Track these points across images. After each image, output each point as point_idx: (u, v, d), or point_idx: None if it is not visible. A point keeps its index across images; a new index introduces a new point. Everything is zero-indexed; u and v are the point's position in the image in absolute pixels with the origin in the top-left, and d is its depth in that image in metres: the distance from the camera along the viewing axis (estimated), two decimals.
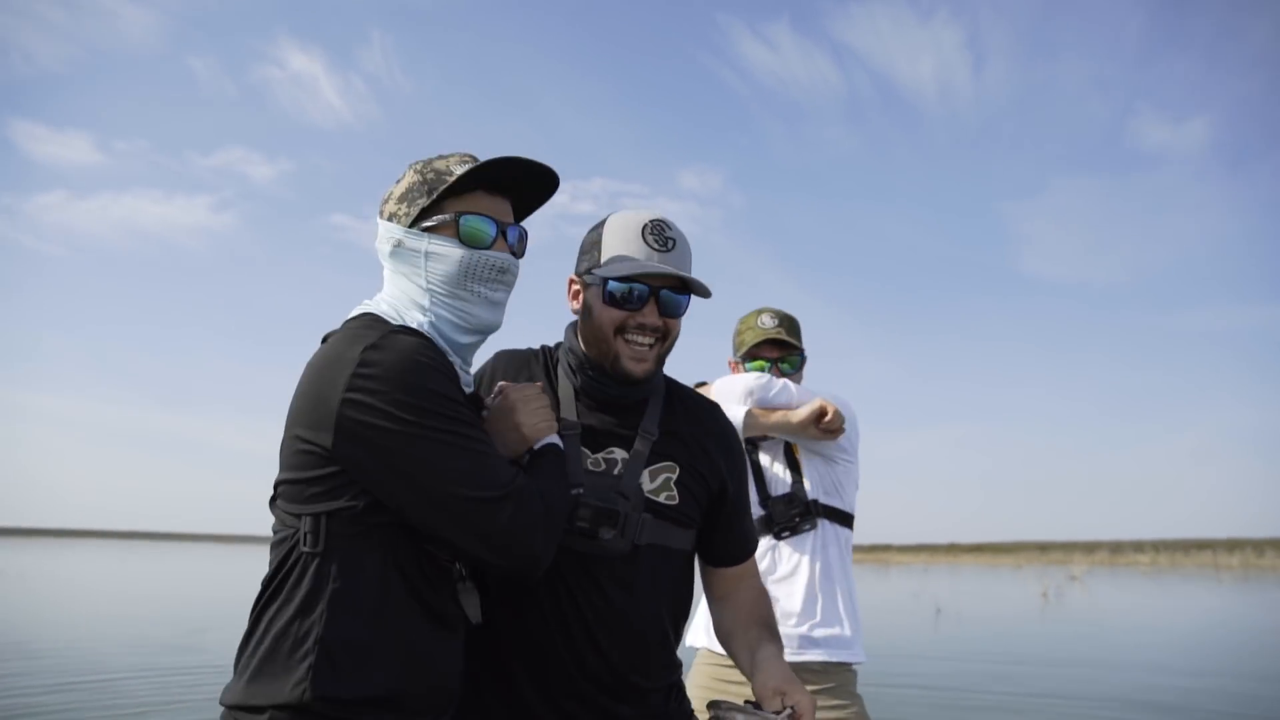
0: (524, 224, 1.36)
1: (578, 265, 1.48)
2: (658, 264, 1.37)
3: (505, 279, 1.28)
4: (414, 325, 1.22)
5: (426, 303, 1.25)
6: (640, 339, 1.39)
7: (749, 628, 1.47)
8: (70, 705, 6.40)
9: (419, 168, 1.28)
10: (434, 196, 1.24)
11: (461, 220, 1.24)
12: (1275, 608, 21.30)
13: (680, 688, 1.54)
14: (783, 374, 2.32)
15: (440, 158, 1.28)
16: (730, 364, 2.45)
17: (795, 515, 2.25)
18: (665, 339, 1.43)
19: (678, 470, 1.45)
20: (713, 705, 1.23)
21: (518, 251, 1.32)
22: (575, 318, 1.51)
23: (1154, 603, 23.15)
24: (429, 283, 1.24)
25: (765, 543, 2.26)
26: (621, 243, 1.39)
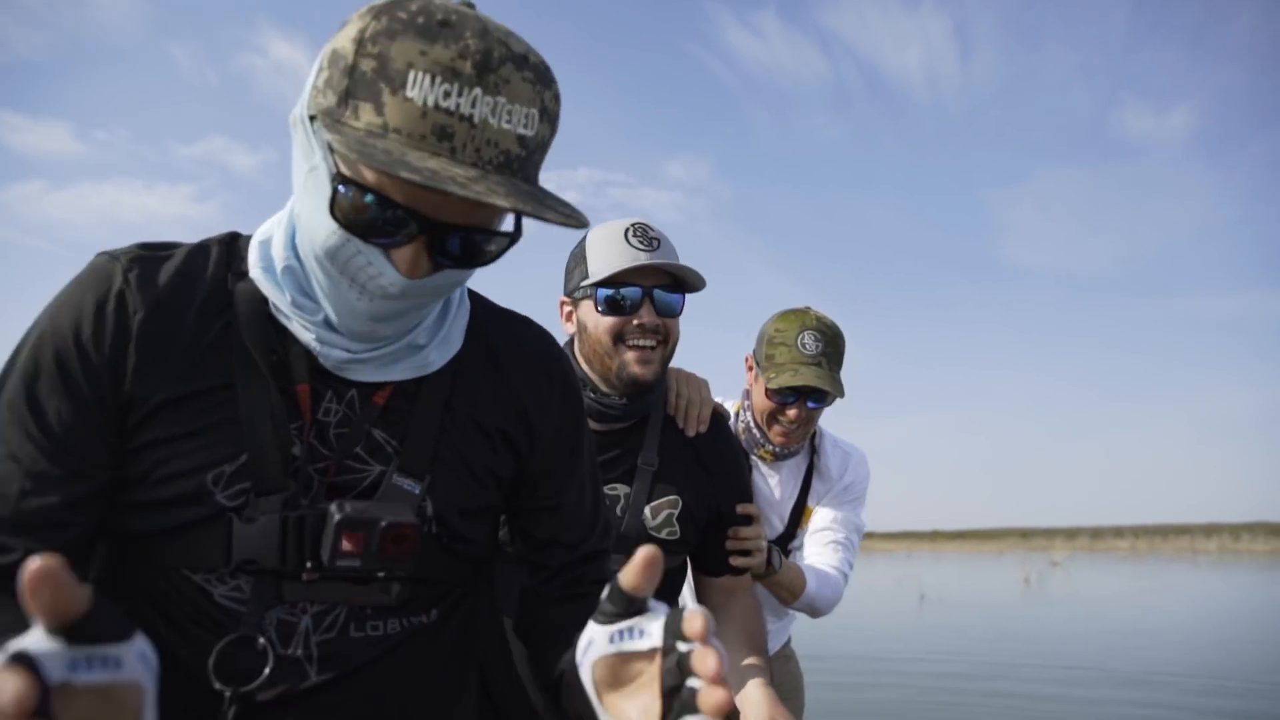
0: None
1: (565, 285, 1.46)
2: (646, 260, 1.35)
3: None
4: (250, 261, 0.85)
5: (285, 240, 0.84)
6: (642, 341, 1.36)
7: (738, 649, 1.42)
8: None
9: (368, 31, 0.72)
10: (358, 97, 0.72)
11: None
12: (1252, 590, 21.67)
13: None
14: (808, 407, 1.93)
15: (412, 25, 0.71)
16: (747, 361, 2.07)
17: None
18: (667, 341, 1.40)
19: (680, 504, 1.43)
20: None
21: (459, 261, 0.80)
22: (570, 339, 1.47)
23: (1134, 586, 23.48)
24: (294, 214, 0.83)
25: None
26: (607, 251, 1.37)
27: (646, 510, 1.41)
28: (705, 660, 0.60)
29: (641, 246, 1.36)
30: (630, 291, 1.36)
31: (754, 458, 2.07)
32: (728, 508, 1.51)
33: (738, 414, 2.10)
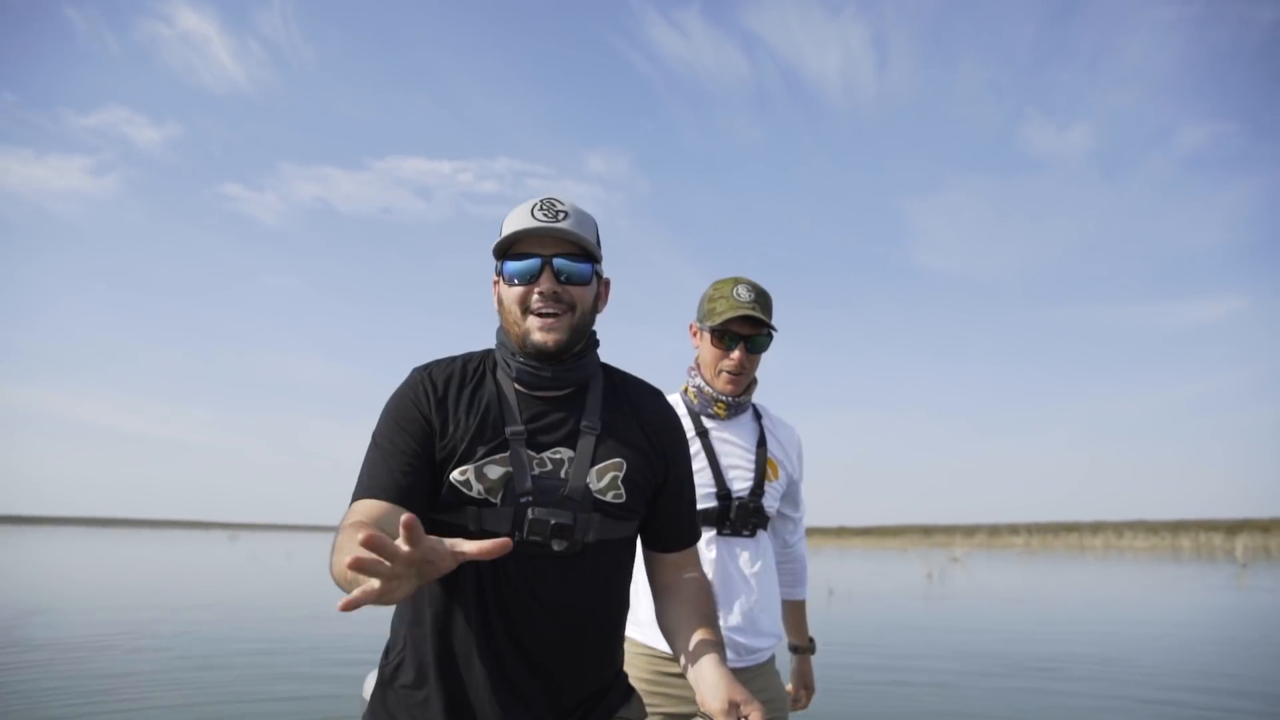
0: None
1: (494, 268, 1.48)
2: (538, 226, 1.37)
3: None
4: None
5: None
6: (545, 309, 1.38)
7: (694, 627, 1.42)
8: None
9: None
10: None
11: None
12: (1132, 582, 23.00)
13: (624, 678, 1.53)
14: (750, 351, 2.19)
15: None
16: (692, 328, 2.30)
17: (753, 523, 2.19)
18: (574, 309, 1.40)
19: (625, 467, 1.43)
20: None
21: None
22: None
23: (1028, 580, 24.61)
24: None
25: (709, 535, 2.16)
26: (514, 226, 1.39)
27: (591, 473, 1.40)
28: None
29: (544, 219, 1.38)
30: (530, 262, 1.38)
31: (708, 423, 2.25)
32: (673, 474, 1.51)
33: (685, 390, 2.30)
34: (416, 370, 1.46)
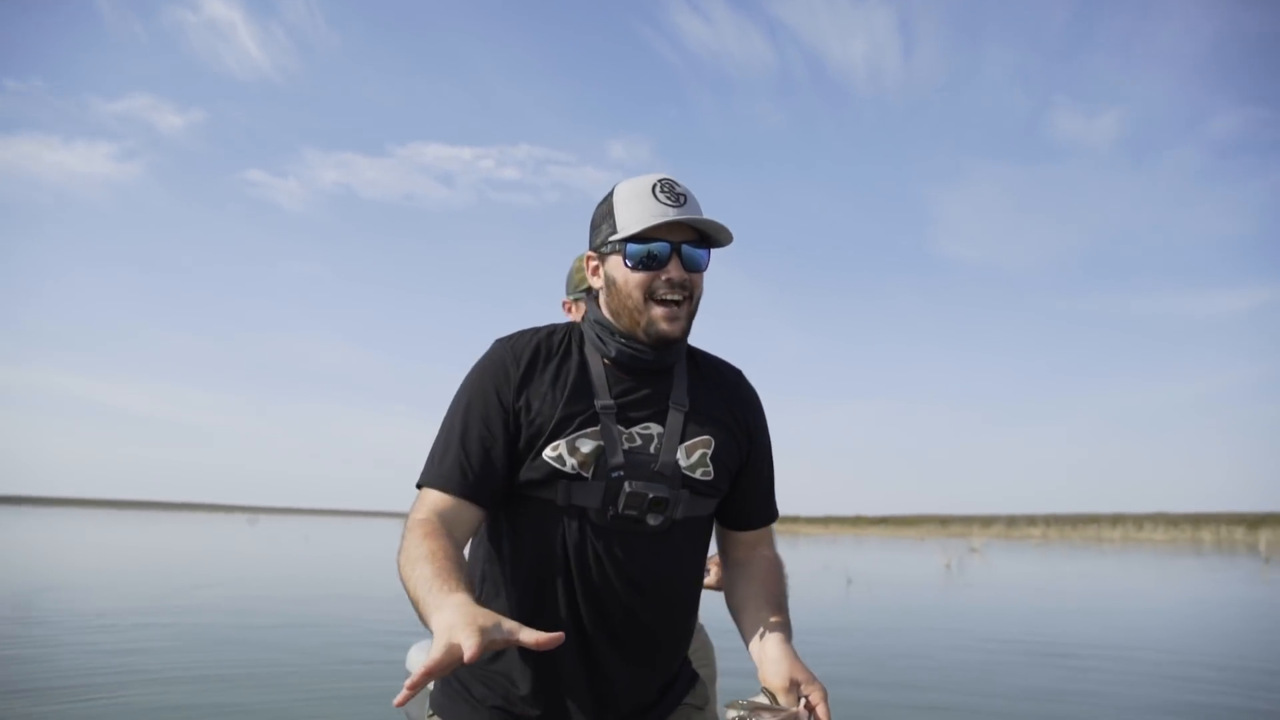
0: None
1: (592, 240, 1.45)
2: (675, 216, 1.33)
3: None
4: None
5: None
6: (670, 296, 1.35)
7: (761, 606, 1.41)
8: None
9: None
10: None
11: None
12: (1152, 573, 22.86)
13: (688, 662, 1.55)
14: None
15: None
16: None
17: None
18: (692, 296, 1.39)
19: (713, 444, 1.42)
20: (732, 705, 1.20)
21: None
22: (585, 298, 1.50)
23: (1046, 570, 24.53)
24: None
25: None
26: (636, 207, 1.36)
27: (681, 449, 1.39)
28: None
29: (669, 202, 1.35)
30: (659, 247, 1.34)
31: None
32: (757, 452, 1.51)
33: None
34: (499, 343, 1.43)
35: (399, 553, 1.22)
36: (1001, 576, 22.12)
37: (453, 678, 1.41)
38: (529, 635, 1.01)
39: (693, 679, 1.55)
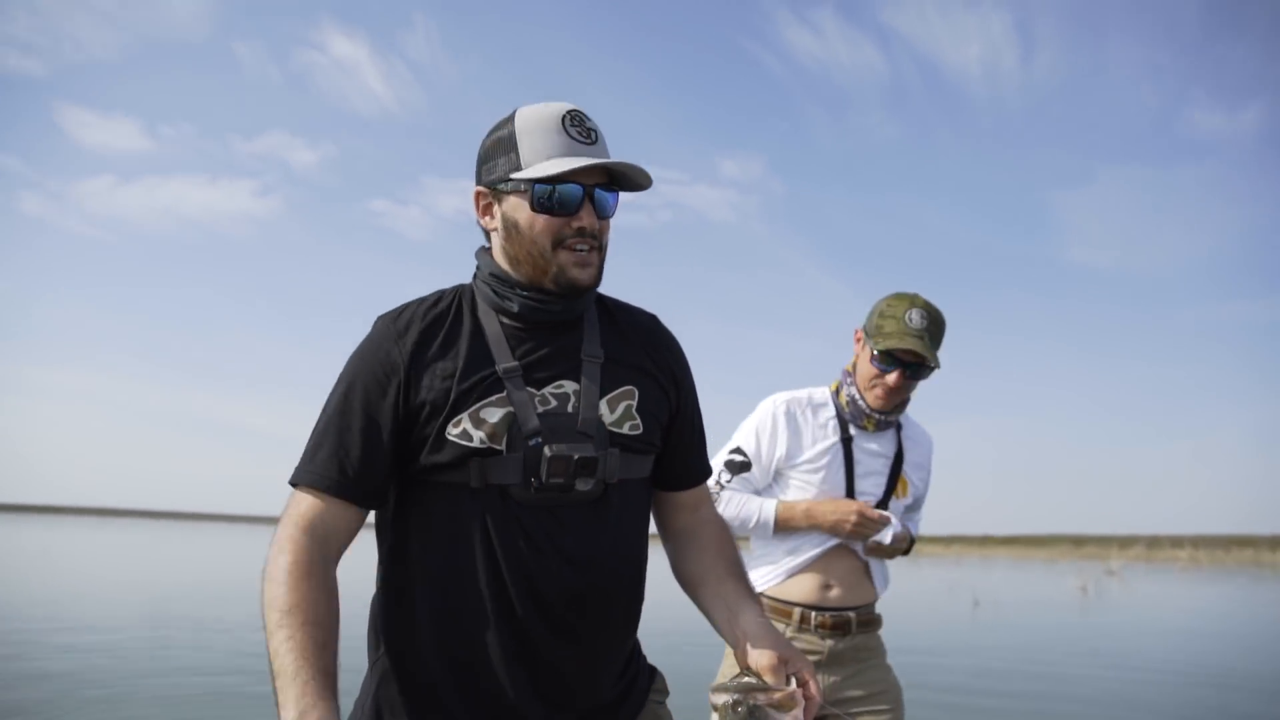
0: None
1: (483, 175, 1.25)
2: (588, 158, 1.17)
3: None
4: None
5: None
6: (581, 245, 1.19)
7: (723, 578, 1.29)
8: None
9: None
10: None
11: None
12: None
13: (639, 648, 1.38)
14: (908, 378, 2.15)
15: None
16: (857, 335, 2.26)
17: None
18: (602, 244, 1.24)
19: (637, 395, 1.26)
20: (721, 689, 1.08)
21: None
22: (483, 241, 1.30)
23: (1195, 595, 22.81)
24: None
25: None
26: (542, 141, 1.18)
27: (603, 404, 1.23)
28: None
29: (581, 139, 1.19)
30: (570, 190, 1.18)
31: (855, 431, 2.25)
32: (686, 400, 1.36)
33: (837, 390, 2.29)
34: (381, 319, 1.25)
35: (265, 580, 1.08)
36: (1145, 599, 20.73)
37: (370, 703, 1.23)
38: None
39: (651, 670, 1.38)
